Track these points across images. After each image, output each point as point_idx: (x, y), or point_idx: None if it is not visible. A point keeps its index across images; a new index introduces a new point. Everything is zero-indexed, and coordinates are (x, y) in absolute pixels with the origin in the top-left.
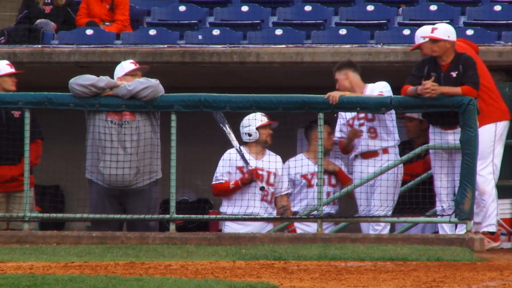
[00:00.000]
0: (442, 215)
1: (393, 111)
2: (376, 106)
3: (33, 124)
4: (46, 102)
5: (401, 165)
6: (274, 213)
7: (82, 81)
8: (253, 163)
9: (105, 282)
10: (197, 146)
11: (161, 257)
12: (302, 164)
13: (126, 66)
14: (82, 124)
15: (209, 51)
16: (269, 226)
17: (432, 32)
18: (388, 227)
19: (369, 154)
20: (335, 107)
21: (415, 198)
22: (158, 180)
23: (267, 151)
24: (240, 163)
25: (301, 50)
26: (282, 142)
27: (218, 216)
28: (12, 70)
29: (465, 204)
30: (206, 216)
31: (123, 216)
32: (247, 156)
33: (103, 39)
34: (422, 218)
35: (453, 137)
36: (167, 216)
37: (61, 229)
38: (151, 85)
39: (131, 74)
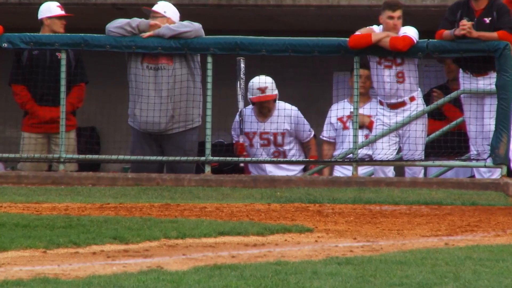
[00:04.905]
0: (476, 159)
1: (416, 60)
2: (413, 51)
3: (78, 67)
4: (83, 43)
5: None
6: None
7: (117, 23)
8: (255, 126)
9: (140, 223)
10: (234, 88)
11: (196, 199)
12: (338, 107)
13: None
14: (120, 67)
15: None
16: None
17: None
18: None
19: (396, 105)
20: (370, 52)
21: (450, 142)
22: (197, 128)
23: (277, 106)
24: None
25: None
26: (319, 86)
27: (253, 158)
28: (62, 12)
29: (500, 148)
30: (241, 159)
31: (159, 158)
32: (253, 119)
33: None
34: (457, 162)
35: (482, 83)
36: (203, 158)
37: (97, 171)
38: (195, 29)
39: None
